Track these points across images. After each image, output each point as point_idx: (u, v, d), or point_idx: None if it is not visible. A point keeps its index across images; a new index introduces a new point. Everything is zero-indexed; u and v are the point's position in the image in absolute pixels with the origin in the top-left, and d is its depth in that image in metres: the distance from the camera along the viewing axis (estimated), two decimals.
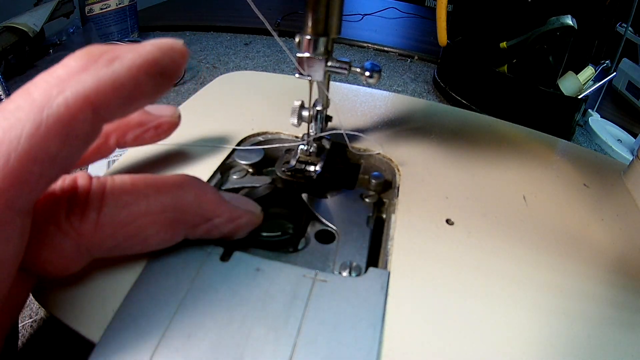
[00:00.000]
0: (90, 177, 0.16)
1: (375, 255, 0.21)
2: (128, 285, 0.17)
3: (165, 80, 0.14)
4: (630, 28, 0.61)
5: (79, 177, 0.15)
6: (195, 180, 0.17)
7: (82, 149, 0.13)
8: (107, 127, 0.19)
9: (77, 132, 0.12)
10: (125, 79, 0.13)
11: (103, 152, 0.20)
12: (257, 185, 0.24)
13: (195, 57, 0.73)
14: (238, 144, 0.27)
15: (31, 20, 0.61)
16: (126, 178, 0.16)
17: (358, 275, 0.19)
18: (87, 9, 0.70)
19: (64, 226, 0.14)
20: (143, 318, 0.16)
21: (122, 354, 0.15)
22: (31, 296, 0.17)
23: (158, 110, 0.21)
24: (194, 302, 0.17)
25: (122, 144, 0.20)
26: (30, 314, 0.25)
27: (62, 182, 0.15)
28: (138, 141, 0.21)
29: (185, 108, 0.31)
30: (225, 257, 0.19)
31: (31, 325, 0.24)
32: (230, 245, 0.20)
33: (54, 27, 0.69)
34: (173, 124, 0.22)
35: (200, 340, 0.15)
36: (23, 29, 0.58)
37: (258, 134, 0.28)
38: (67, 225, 0.14)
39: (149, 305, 0.16)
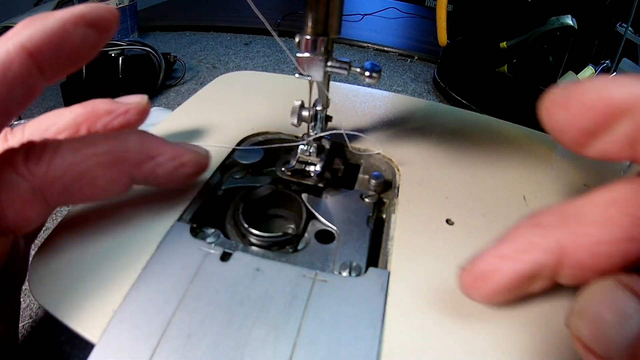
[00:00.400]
0: (48, 139, 0.17)
1: (375, 255, 0.21)
2: (128, 285, 0.17)
3: (94, 31, 0.16)
4: (630, 28, 0.61)
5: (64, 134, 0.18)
6: (141, 131, 0.19)
7: (20, 91, 0.15)
8: (78, 119, 0.21)
9: (13, 72, 0.14)
10: (55, 28, 0.15)
11: None
12: (257, 185, 0.24)
13: (195, 57, 0.73)
14: (238, 144, 0.27)
15: None
16: (84, 135, 0.19)
17: (358, 275, 0.19)
18: None
19: (21, 169, 0.16)
20: (143, 318, 0.16)
21: (122, 354, 0.15)
22: (31, 296, 0.17)
23: (127, 99, 0.22)
24: (194, 302, 0.17)
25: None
26: (30, 314, 0.25)
27: (47, 134, 0.18)
28: (108, 129, 0.21)
29: (185, 108, 0.31)
30: (225, 257, 0.19)
31: (31, 326, 0.24)
32: (230, 245, 0.20)
33: None
34: (142, 110, 0.22)
35: (200, 340, 0.15)
36: None
37: (258, 134, 0.28)
38: (24, 168, 0.16)
39: (149, 305, 0.16)
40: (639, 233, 0.13)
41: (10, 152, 0.16)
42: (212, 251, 0.19)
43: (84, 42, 0.16)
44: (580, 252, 0.13)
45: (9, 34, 0.15)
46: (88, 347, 0.15)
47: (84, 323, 0.16)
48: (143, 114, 0.22)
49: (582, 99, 0.13)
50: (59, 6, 0.67)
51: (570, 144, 0.14)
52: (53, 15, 0.15)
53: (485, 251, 0.15)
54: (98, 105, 0.21)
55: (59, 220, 0.21)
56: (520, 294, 0.16)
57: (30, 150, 0.16)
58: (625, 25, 0.60)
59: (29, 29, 0.15)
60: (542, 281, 0.15)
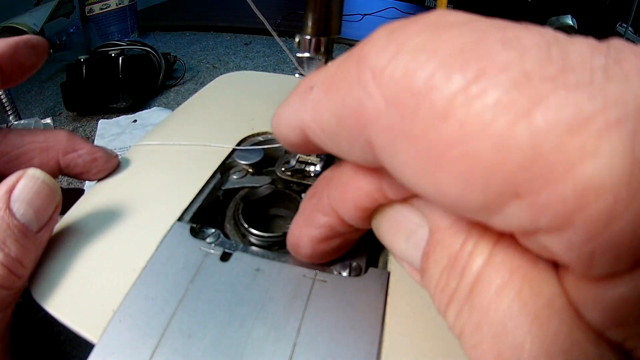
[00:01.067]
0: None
1: (375, 255, 0.21)
2: (128, 285, 0.17)
3: (33, 52, 0.22)
4: (630, 28, 0.61)
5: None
6: (70, 131, 0.24)
7: None
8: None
9: None
10: (12, 43, 0.21)
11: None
12: (257, 185, 0.24)
13: (195, 57, 0.73)
14: (238, 144, 0.27)
15: (31, 20, 0.61)
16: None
17: (358, 275, 0.19)
18: (87, 9, 0.70)
19: None
20: (143, 318, 0.16)
21: (122, 354, 0.15)
22: (31, 296, 0.17)
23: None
24: (194, 302, 0.17)
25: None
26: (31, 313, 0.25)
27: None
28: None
29: (185, 108, 0.31)
30: (225, 257, 0.19)
31: (31, 325, 0.24)
32: (230, 245, 0.20)
33: (54, 27, 0.69)
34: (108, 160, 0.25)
35: (200, 340, 0.15)
36: (23, 29, 0.58)
37: (258, 134, 0.28)
38: None
39: (149, 305, 0.16)
40: (389, 180, 0.13)
41: None
42: (212, 251, 0.19)
43: (28, 57, 0.22)
44: (347, 208, 0.14)
45: None
46: (88, 347, 0.15)
47: (84, 323, 0.16)
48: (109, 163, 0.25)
49: (282, 141, 0.15)
50: (58, 6, 0.67)
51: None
52: (10, 38, 0.21)
53: (292, 222, 0.17)
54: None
55: (59, 220, 0.21)
56: (343, 244, 0.17)
57: None
58: (625, 25, 0.60)
59: None
60: (349, 232, 0.16)
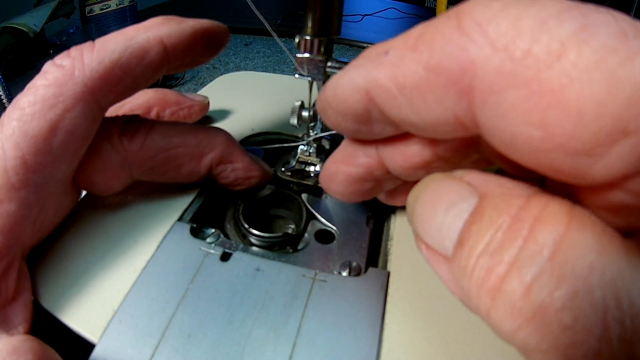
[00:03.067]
0: (141, 117, 0.20)
1: (375, 255, 0.21)
2: (128, 285, 0.17)
3: (211, 44, 0.19)
4: None
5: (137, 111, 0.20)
6: (228, 133, 0.21)
7: (149, 75, 0.17)
8: (151, 102, 0.24)
9: (150, 58, 0.17)
10: (187, 34, 0.18)
11: None
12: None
13: None
14: None
15: (31, 21, 0.61)
16: (173, 122, 0.20)
17: (358, 275, 0.19)
18: (87, 9, 0.70)
19: (116, 142, 0.18)
20: (143, 318, 0.16)
21: (122, 354, 0.15)
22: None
23: (192, 95, 0.27)
24: (194, 302, 0.17)
25: (162, 117, 0.25)
26: None
27: (123, 109, 0.21)
28: (174, 116, 0.25)
29: None
30: (225, 257, 0.19)
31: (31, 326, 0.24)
32: (230, 245, 0.20)
33: (54, 28, 0.70)
34: (203, 108, 0.27)
35: (200, 340, 0.15)
36: (23, 29, 0.58)
37: (258, 134, 0.28)
38: (118, 142, 0.18)
39: (149, 305, 0.16)
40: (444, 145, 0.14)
41: (107, 123, 0.18)
42: (212, 251, 0.19)
43: (203, 52, 0.19)
44: (394, 157, 0.15)
45: (147, 24, 0.17)
46: (88, 347, 0.15)
47: (84, 323, 0.16)
48: (203, 111, 0.27)
49: (333, 109, 0.14)
50: (58, 7, 0.67)
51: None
52: (187, 22, 0.18)
53: (329, 157, 0.18)
54: (168, 95, 0.25)
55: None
56: (374, 189, 0.17)
57: (127, 127, 0.18)
58: None
59: (168, 27, 0.17)
60: (385, 179, 0.17)
